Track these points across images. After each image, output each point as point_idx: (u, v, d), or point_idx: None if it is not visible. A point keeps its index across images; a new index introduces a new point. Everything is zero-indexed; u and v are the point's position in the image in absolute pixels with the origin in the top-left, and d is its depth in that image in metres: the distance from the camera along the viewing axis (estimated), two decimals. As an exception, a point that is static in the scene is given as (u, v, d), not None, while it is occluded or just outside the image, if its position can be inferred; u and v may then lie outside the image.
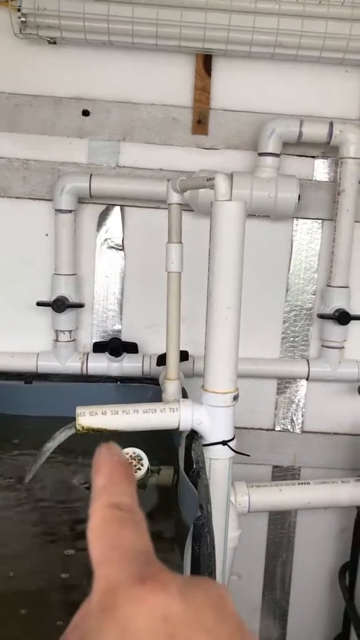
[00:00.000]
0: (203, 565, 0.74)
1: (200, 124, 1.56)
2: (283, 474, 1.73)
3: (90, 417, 1.05)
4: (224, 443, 1.16)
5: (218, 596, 0.22)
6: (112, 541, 0.23)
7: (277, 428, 1.72)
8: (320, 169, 1.61)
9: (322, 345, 1.65)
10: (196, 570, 0.79)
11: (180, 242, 1.24)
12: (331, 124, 1.50)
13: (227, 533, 1.22)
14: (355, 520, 1.57)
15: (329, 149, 1.57)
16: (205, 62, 1.53)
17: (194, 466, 1.07)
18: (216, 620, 0.21)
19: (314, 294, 1.66)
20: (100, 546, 0.23)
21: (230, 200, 1.08)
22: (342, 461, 1.69)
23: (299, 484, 1.42)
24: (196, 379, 1.43)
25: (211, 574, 0.77)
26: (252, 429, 1.70)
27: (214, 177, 1.08)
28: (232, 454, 1.17)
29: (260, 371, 1.64)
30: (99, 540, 0.23)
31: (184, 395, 1.35)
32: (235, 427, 1.66)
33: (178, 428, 1.14)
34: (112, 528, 0.23)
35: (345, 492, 1.41)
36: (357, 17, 1.42)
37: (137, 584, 0.21)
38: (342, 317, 1.57)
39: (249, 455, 1.21)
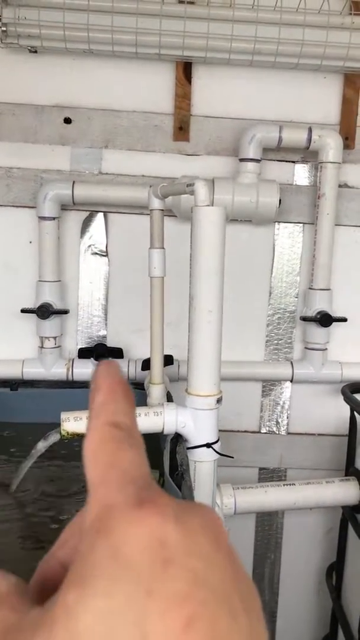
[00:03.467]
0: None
1: (181, 130, 1.58)
2: (269, 475, 1.74)
3: (75, 423, 1.05)
4: (208, 445, 1.17)
5: (213, 523, 0.21)
6: (110, 461, 0.22)
7: (263, 430, 1.73)
8: (301, 174, 1.63)
9: (306, 348, 1.67)
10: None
11: (163, 248, 1.26)
12: (310, 129, 1.52)
13: (213, 535, 1.23)
14: (341, 520, 1.59)
15: (309, 154, 1.59)
16: (186, 70, 1.55)
17: (179, 469, 1.08)
18: (211, 547, 0.20)
19: (296, 297, 1.68)
20: (98, 466, 0.22)
21: (210, 205, 1.10)
22: (327, 462, 1.71)
23: (284, 485, 1.43)
24: (182, 382, 1.44)
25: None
26: (238, 431, 1.72)
27: (193, 183, 1.09)
28: (217, 456, 1.18)
29: (244, 374, 1.66)
30: (97, 459, 0.22)
31: (169, 399, 1.36)
32: (221, 430, 1.68)
33: (162, 431, 1.16)
34: (111, 447, 0.22)
35: (330, 493, 1.43)
36: (333, 25, 1.45)
37: (134, 507, 0.20)
38: (324, 320, 1.59)
39: (232, 457, 1.22)
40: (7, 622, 0.20)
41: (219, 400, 1.17)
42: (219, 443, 1.19)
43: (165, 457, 1.18)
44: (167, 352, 1.45)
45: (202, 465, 1.18)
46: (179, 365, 1.57)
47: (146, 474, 0.22)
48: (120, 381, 0.25)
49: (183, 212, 1.49)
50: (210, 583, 0.19)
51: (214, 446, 1.17)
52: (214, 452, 1.17)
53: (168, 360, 1.46)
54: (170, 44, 1.45)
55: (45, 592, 0.22)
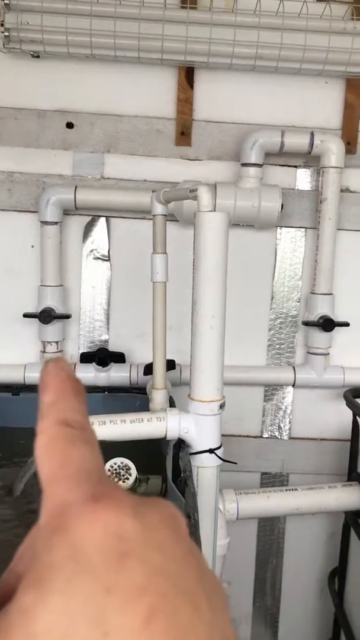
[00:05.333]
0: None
1: (183, 135, 1.58)
2: (271, 480, 1.74)
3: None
4: (211, 451, 1.17)
5: (172, 516, 0.21)
6: (61, 459, 0.21)
7: (265, 435, 1.73)
8: (303, 179, 1.63)
9: (308, 352, 1.67)
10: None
11: (165, 253, 1.26)
12: (312, 134, 1.52)
13: (216, 541, 1.23)
14: (343, 525, 1.58)
15: (311, 159, 1.59)
16: (188, 75, 1.55)
17: (182, 475, 1.08)
18: (170, 540, 0.20)
19: (298, 301, 1.68)
20: (50, 465, 0.22)
21: (213, 210, 1.10)
22: (329, 466, 1.70)
23: (286, 490, 1.43)
24: (184, 387, 1.44)
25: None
26: (240, 436, 1.71)
27: (196, 188, 1.09)
28: (219, 462, 1.18)
29: (247, 379, 1.66)
30: (48, 458, 0.22)
31: (172, 404, 1.36)
32: (223, 435, 1.67)
33: (165, 437, 1.15)
34: (62, 446, 0.22)
35: (333, 498, 1.42)
36: (335, 30, 1.45)
37: (89, 502, 0.20)
38: (327, 324, 1.59)
39: (236, 463, 1.22)
40: None
41: (221, 406, 1.17)
42: (221, 449, 1.19)
43: (168, 463, 1.18)
44: (169, 357, 1.45)
45: (205, 471, 1.18)
46: (181, 370, 1.57)
47: (100, 470, 0.22)
48: (69, 377, 0.24)
49: (185, 217, 1.49)
50: (170, 575, 0.19)
51: (217, 452, 1.17)
52: (217, 458, 1.17)
53: (170, 365, 1.46)
54: (172, 49, 1.45)
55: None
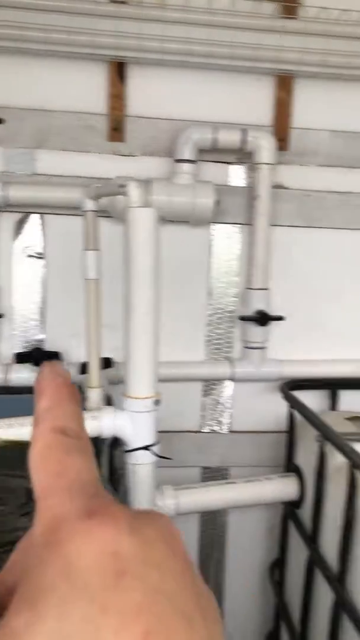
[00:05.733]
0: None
1: (116, 131, 1.56)
2: (212, 474, 1.75)
3: (7, 430, 1.03)
4: (147, 448, 1.16)
5: (168, 531, 0.21)
6: (56, 469, 0.21)
7: (205, 430, 1.74)
8: (236, 175, 1.64)
9: (245, 347, 1.68)
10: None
11: (97, 249, 1.24)
12: (244, 131, 1.54)
13: (154, 537, 1.22)
14: (282, 516, 1.61)
15: (244, 155, 1.61)
16: (119, 70, 1.54)
17: (116, 473, 1.07)
18: (167, 556, 0.20)
19: (235, 297, 1.70)
20: (44, 475, 0.21)
21: (145, 206, 1.09)
22: (268, 459, 1.73)
23: (225, 483, 1.44)
24: (123, 385, 1.43)
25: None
26: (180, 431, 1.71)
27: (126, 184, 1.08)
28: (156, 458, 1.17)
29: (185, 374, 1.66)
30: (43, 468, 0.21)
31: (109, 402, 1.35)
32: (163, 431, 1.67)
33: (100, 435, 1.14)
34: (57, 455, 0.21)
35: (270, 489, 1.44)
36: (263, 28, 1.46)
37: (84, 518, 0.19)
38: (262, 319, 1.61)
39: (171, 459, 1.22)
40: None
41: (156, 402, 1.17)
42: (158, 445, 1.19)
43: (103, 462, 1.17)
44: (106, 355, 1.44)
45: (141, 468, 1.17)
46: (119, 368, 1.56)
47: (96, 481, 0.21)
48: (65, 383, 0.24)
49: (118, 213, 1.47)
50: (167, 593, 0.18)
51: (153, 448, 1.17)
52: (153, 455, 1.17)
53: (106, 363, 1.45)
54: (102, 43, 1.43)
55: None
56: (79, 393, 0.24)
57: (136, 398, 1.14)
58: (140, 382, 1.15)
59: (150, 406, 1.15)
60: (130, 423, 1.15)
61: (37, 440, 0.22)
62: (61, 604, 0.17)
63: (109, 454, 1.16)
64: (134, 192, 1.07)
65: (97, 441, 1.21)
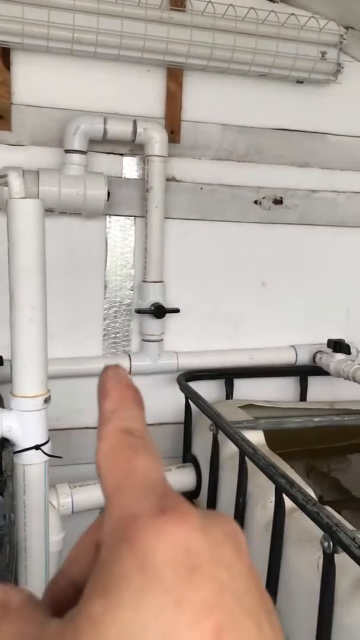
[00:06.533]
0: (0, 577, 0.71)
1: (2, 119, 1.50)
2: (113, 469, 1.73)
3: None
4: (37, 447, 1.13)
5: (234, 532, 0.21)
6: (125, 469, 0.21)
7: (104, 425, 1.72)
8: (129, 167, 1.63)
9: (142, 340, 1.68)
10: (-2, 583, 0.75)
11: (-20, 243, 1.19)
12: (135, 122, 1.52)
13: (49, 537, 1.19)
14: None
15: (136, 147, 1.59)
16: (4, 56, 1.47)
17: (2, 475, 1.03)
18: (234, 556, 0.20)
19: (132, 290, 1.69)
20: (113, 474, 0.21)
21: (27, 197, 1.06)
22: (169, 450, 1.74)
23: (122, 478, 1.43)
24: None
25: (16, 583, 0.75)
26: (79, 428, 1.69)
27: (6, 174, 1.04)
28: (47, 457, 1.15)
29: (82, 370, 1.63)
30: (111, 467, 0.21)
31: (1, 402, 1.30)
32: (61, 429, 1.64)
33: (-14, 437, 1.10)
34: (125, 454, 0.22)
35: (168, 480, 1.45)
36: (152, 19, 1.46)
37: (157, 514, 0.19)
38: (158, 311, 1.62)
39: (61, 457, 1.19)
40: (24, 634, 0.20)
41: (46, 400, 1.14)
42: (49, 444, 1.16)
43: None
44: (-3, 353, 1.39)
45: (32, 468, 1.14)
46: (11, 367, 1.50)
47: (164, 480, 0.22)
48: (128, 386, 0.24)
49: (4, 204, 1.42)
50: (236, 592, 0.19)
51: (43, 447, 1.14)
52: (44, 454, 1.14)
53: (-3, 361, 1.40)
54: (-17, 26, 1.37)
55: (56, 612, 0.21)
56: (142, 396, 0.24)
57: (24, 397, 1.11)
58: (29, 379, 1.11)
59: (40, 404, 1.12)
60: (19, 423, 1.11)
61: (103, 440, 0.22)
62: (137, 594, 0.18)
63: (-3, 455, 1.12)
64: (15, 183, 1.04)
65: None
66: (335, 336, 1.75)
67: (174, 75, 1.61)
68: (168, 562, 0.19)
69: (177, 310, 1.66)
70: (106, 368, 0.25)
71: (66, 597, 0.22)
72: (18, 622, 0.21)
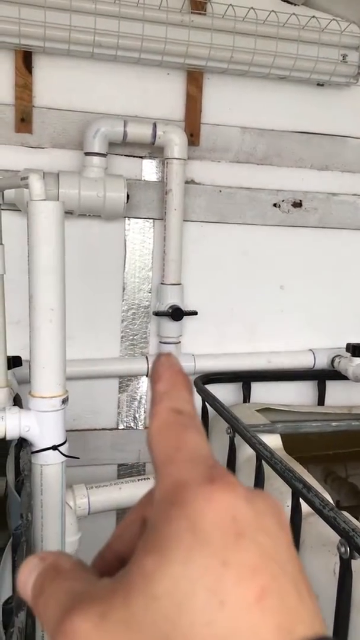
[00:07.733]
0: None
1: (24, 122, 1.51)
2: (128, 471, 1.74)
3: None
4: (55, 448, 1.14)
5: (276, 506, 0.22)
6: (176, 443, 0.23)
7: (121, 426, 1.72)
8: (149, 169, 1.64)
9: (160, 342, 1.68)
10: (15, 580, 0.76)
11: (1, 244, 1.20)
12: (155, 125, 1.53)
13: (65, 538, 1.20)
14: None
15: (155, 150, 1.60)
16: (26, 59, 1.49)
17: (20, 475, 1.04)
18: (277, 528, 0.21)
19: (150, 292, 1.69)
20: (164, 447, 0.23)
21: (48, 199, 1.07)
22: (185, 453, 1.74)
23: (138, 480, 1.44)
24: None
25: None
26: (95, 429, 1.69)
27: (27, 175, 1.05)
28: (64, 458, 1.15)
29: (99, 371, 1.64)
30: (162, 442, 0.23)
31: (18, 402, 1.31)
32: (78, 430, 1.65)
33: (5, 437, 1.11)
34: (176, 431, 0.23)
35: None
36: (172, 22, 1.46)
37: (206, 483, 0.21)
38: (176, 314, 1.62)
39: (78, 458, 1.20)
40: (75, 590, 0.21)
41: (64, 401, 1.14)
42: (66, 444, 1.16)
43: (9, 464, 1.13)
44: (15, 354, 1.40)
45: (49, 469, 1.14)
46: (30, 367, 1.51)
47: (212, 456, 0.23)
48: (179, 371, 0.26)
49: (25, 206, 1.43)
50: (278, 560, 0.20)
51: (61, 448, 1.14)
52: (61, 454, 1.14)
53: (15, 361, 1.41)
54: (5, 31, 1.38)
55: None
56: (191, 382, 0.26)
57: (42, 397, 1.11)
58: (47, 380, 1.12)
59: (57, 405, 1.12)
60: (37, 423, 1.12)
61: (155, 418, 0.24)
62: (186, 553, 0.19)
63: (15, 455, 1.13)
64: (36, 185, 1.04)
65: (4, 443, 1.17)
66: (354, 340, 1.74)
67: (194, 79, 1.61)
68: (216, 525, 0.20)
69: (195, 313, 1.66)
70: (159, 355, 0.26)
71: (111, 570, 0.23)
72: (69, 580, 0.22)
